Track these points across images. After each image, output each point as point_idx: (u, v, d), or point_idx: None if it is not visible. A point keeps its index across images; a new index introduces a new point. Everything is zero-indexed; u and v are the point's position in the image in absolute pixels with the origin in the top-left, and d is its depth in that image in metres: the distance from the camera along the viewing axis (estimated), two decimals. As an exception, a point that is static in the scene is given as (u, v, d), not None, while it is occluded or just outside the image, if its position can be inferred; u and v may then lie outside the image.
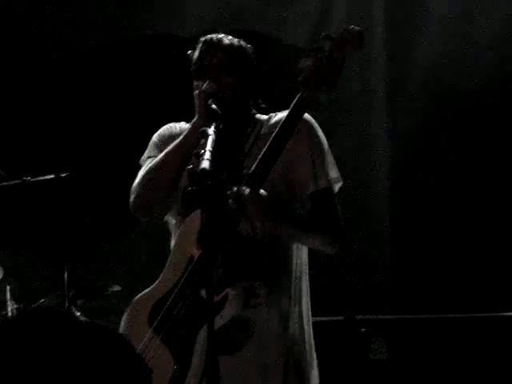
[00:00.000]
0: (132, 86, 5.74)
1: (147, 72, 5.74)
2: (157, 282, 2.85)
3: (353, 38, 2.59)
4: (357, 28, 2.60)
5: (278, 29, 5.70)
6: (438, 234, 5.50)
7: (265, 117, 2.91)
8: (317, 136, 2.84)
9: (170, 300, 2.76)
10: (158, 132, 3.01)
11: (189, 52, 2.90)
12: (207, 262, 2.36)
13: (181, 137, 2.82)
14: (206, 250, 2.38)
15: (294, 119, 2.67)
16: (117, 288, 5.05)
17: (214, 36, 2.87)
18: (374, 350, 4.47)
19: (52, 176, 4.82)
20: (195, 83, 2.84)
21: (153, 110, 5.63)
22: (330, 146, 2.88)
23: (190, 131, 2.77)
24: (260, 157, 2.66)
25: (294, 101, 2.66)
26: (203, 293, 2.59)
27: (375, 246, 5.65)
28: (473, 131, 5.46)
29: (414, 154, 5.55)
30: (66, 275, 4.75)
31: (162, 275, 2.84)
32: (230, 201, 2.65)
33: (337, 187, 2.85)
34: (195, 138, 2.67)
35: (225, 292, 2.68)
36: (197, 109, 2.79)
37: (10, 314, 4.71)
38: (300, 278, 2.86)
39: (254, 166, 2.66)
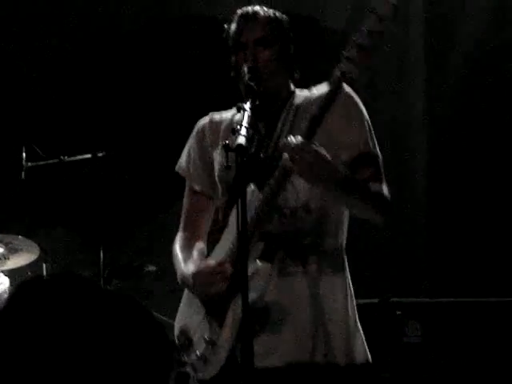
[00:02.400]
0: (169, 68, 5.75)
1: (184, 54, 5.74)
2: (207, 259, 2.85)
3: (385, 8, 2.55)
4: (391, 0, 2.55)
5: (317, 10, 5.68)
6: (474, 218, 5.46)
7: (305, 91, 2.87)
8: (362, 111, 2.81)
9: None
10: (197, 128, 2.99)
11: (225, 25, 2.88)
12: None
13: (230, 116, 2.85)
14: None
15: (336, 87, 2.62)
16: (152, 268, 5.07)
17: (249, 9, 2.84)
18: (408, 333, 4.45)
19: (89, 155, 4.85)
20: (233, 58, 2.83)
21: (190, 91, 5.64)
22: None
23: (237, 108, 2.69)
24: (310, 117, 2.61)
25: (337, 72, 2.59)
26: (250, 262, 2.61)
27: (411, 229, 5.62)
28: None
29: (452, 139, 5.50)
30: (101, 254, 4.79)
31: (211, 254, 2.86)
32: (283, 154, 2.60)
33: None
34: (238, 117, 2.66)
35: (255, 264, 2.66)
36: (238, 84, 2.77)
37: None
38: (343, 248, 2.86)
39: (305, 125, 2.61)
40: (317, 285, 2.75)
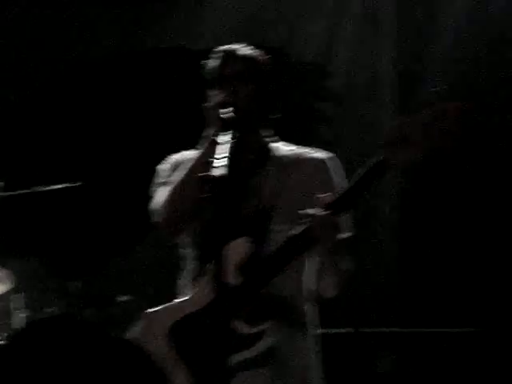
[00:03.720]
0: (145, 98, 5.77)
1: (159, 84, 5.77)
2: (181, 300, 2.83)
3: (455, 116, 2.48)
4: (461, 104, 2.49)
5: (289, 44, 5.75)
6: (446, 249, 5.49)
7: (286, 148, 2.90)
8: (333, 183, 2.84)
9: (197, 322, 2.74)
10: (163, 163, 2.97)
11: (203, 62, 2.90)
12: (247, 292, 2.45)
13: (199, 150, 2.79)
14: (250, 280, 2.45)
15: (373, 177, 2.61)
16: (127, 298, 5.05)
17: (232, 46, 2.88)
18: (380, 364, 4.47)
19: (64, 185, 4.85)
20: (210, 93, 2.84)
21: (165, 122, 5.67)
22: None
23: (209, 143, 2.72)
24: (340, 195, 2.63)
25: (377, 159, 2.60)
26: (237, 323, 2.66)
27: (383, 259, 5.65)
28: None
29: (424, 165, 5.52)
30: (76, 284, 4.77)
31: (188, 295, 2.81)
32: (306, 224, 2.62)
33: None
34: (213, 149, 2.63)
35: (262, 326, 2.69)
36: (212, 118, 2.76)
37: (16, 323, 4.71)
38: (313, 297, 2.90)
39: (335, 198, 2.63)
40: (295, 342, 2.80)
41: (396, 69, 5.65)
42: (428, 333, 4.75)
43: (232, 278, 2.69)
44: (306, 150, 2.90)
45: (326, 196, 2.62)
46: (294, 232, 2.65)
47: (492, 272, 5.37)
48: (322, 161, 2.86)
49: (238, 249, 2.71)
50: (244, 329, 2.68)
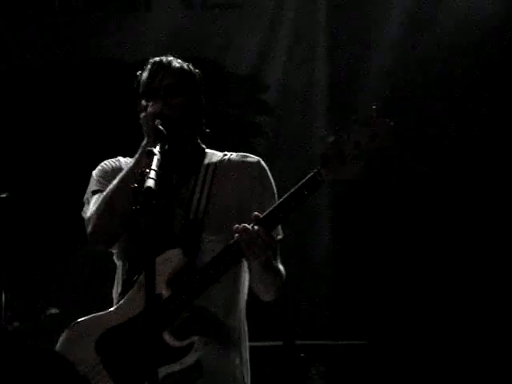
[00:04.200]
0: (78, 107, 5.72)
1: (92, 94, 5.73)
2: (110, 310, 2.80)
3: (386, 134, 2.51)
4: (390, 122, 2.52)
5: (224, 56, 5.76)
6: (376, 262, 5.55)
7: (218, 154, 2.92)
8: (269, 184, 2.88)
9: (124, 333, 2.73)
10: (97, 169, 2.97)
11: (138, 73, 2.92)
12: (178, 304, 2.51)
13: (132, 160, 2.81)
14: (178, 293, 2.49)
15: (307, 191, 2.61)
16: (54, 311, 4.99)
17: (163, 58, 2.89)
18: (312, 376, 4.49)
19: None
20: (143, 103, 2.85)
21: (96, 132, 5.62)
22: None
23: (141, 153, 2.75)
24: (272, 208, 2.64)
25: (311, 174, 2.60)
26: (166, 336, 2.66)
27: (314, 268, 5.68)
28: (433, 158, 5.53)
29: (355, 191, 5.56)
30: (3, 297, 4.69)
31: (117, 306, 2.80)
32: (237, 235, 2.62)
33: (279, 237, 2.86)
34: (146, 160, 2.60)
35: (191, 339, 2.69)
36: (144, 129, 2.79)
37: None
38: (243, 310, 2.89)
39: (266, 212, 2.64)
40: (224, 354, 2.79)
41: (329, 81, 5.70)
42: (359, 345, 4.78)
43: (163, 290, 2.68)
44: (240, 154, 2.92)
45: (257, 213, 2.63)
46: (226, 245, 2.66)
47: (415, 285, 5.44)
48: (257, 161, 2.88)
49: (169, 260, 2.71)
50: (173, 342, 2.67)
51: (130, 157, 2.89)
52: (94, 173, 2.97)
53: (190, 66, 2.92)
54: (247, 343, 2.88)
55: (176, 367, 2.66)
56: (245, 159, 2.91)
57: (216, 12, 5.80)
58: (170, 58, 2.89)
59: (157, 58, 2.90)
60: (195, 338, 2.69)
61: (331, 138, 2.58)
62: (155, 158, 2.53)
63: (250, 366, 2.90)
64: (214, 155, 2.93)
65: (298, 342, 4.55)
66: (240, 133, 5.67)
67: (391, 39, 5.62)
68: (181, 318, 2.69)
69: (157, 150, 2.58)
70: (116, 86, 5.45)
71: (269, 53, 5.75)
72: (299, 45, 5.72)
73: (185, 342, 2.68)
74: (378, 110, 2.53)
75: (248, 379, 2.87)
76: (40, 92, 5.79)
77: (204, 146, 2.94)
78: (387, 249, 5.51)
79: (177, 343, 2.68)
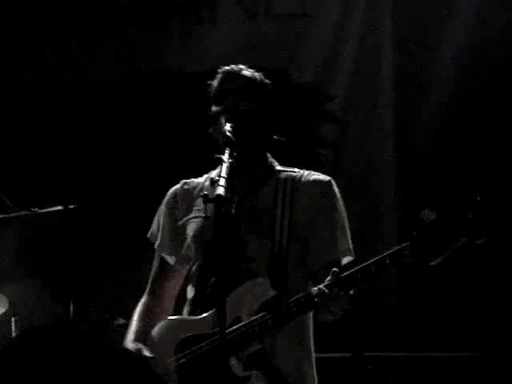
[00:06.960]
0: (142, 119, 5.76)
1: (156, 106, 5.77)
2: (199, 317, 2.81)
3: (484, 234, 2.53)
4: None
5: (288, 67, 5.74)
6: (445, 273, 5.46)
7: (292, 173, 2.89)
8: (338, 206, 2.85)
9: (201, 346, 2.74)
10: (168, 196, 2.98)
11: (209, 82, 2.91)
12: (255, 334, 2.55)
13: (208, 175, 2.91)
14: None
15: (389, 261, 2.60)
16: (122, 321, 5.02)
17: (234, 66, 2.90)
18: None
19: (60, 207, 4.83)
20: (213, 109, 2.84)
21: (160, 144, 5.65)
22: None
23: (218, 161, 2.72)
24: (354, 270, 2.63)
25: (398, 247, 2.60)
26: (233, 361, 2.65)
27: (383, 283, 5.61)
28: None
29: (422, 184, 5.48)
30: (71, 307, 4.73)
31: (206, 314, 2.79)
32: (315, 293, 2.62)
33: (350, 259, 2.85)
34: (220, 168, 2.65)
35: (250, 372, 2.68)
36: (214, 134, 2.80)
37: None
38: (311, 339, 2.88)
39: (347, 273, 2.63)
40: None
41: (396, 89, 5.64)
42: (427, 357, 4.71)
43: (244, 315, 2.68)
44: (309, 172, 2.89)
45: (336, 270, 2.61)
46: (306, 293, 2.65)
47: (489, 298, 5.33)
48: (328, 182, 2.85)
49: (257, 287, 2.70)
50: (236, 368, 2.66)
51: (193, 173, 2.91)
52: (170, 192, 2.99)
53: (261, 76, 2.92)
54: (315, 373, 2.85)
55: None
56: (321, 177, 2.87)
57: (279, 22, 5.80)
58: (241, 66, 2.91)
59: (227, 67, 2.91)
60: (254, 373, 2.67)
61: (432, 216, 2.54)
62: (224, 166, 2.52)
63: (318, 378, 2.87)
64: (283, 171, 2.89)
65: (366, 354, 4.50)
66: (306, 143, 5.65)
67: (460, 47, 5.52)
68: (252, 348, 2.68)
69: (226, 157, 2.57)
70: (182, 97, 5.48)
71: (334, 62, 5.72)
72: (365, 53, 5.67)
73: (245, 373, 2.67)
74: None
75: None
76: (106, 106, 5.84)
77: (272, 159, 2.92)
78: (459, 260, 5.40)
79: (239, 372, 2.66)
